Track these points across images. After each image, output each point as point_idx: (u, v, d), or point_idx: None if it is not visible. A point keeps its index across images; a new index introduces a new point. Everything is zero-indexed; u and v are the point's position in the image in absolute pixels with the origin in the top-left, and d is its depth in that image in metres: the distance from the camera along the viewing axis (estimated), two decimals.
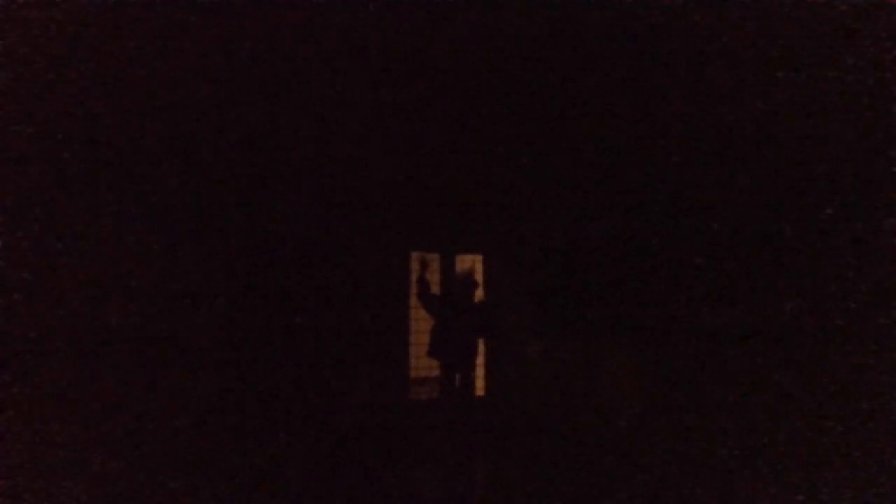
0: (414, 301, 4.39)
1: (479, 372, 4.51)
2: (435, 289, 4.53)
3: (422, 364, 4.62)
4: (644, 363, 4.01)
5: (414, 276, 4.41)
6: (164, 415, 2.39)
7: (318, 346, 4.02)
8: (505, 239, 4.78)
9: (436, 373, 4.54)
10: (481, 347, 4.52)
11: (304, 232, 3.94)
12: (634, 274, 3.63)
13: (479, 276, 4.70)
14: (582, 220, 4.33)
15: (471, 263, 5.00)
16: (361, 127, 3.73)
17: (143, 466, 2.18)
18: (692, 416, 2.94)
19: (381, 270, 4.30)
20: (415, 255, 4.48)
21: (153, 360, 2.40)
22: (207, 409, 2.63)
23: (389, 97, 3.51)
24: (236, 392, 3.15)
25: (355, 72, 3.08)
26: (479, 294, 4.63)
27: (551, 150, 3.88)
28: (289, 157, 3.37)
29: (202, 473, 2.51)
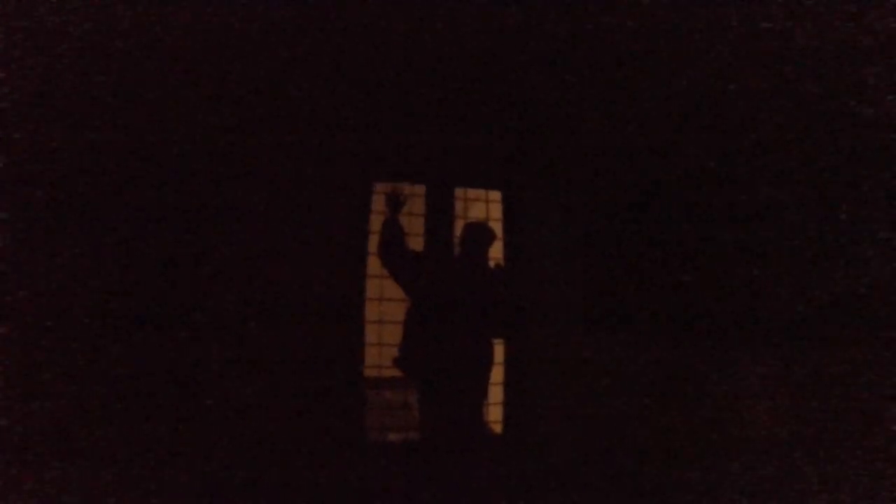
0: (375, 265, 2.53)
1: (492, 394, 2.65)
2: (414, 245, 2.66)
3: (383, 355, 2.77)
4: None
5: (378, 223, 2.55)
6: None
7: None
8: (547, 162, 2.87)
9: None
10: (497, 353, 2.65)
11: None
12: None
13: (495, 229, 2.80)
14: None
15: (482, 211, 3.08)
16: None
17: None
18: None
19: (317, 215, 2.46)
20: (380, 188, 2.60)
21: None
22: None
23: None
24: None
25: None
26: (494, 256, 2.74)
27: None
28: None
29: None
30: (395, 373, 2.70)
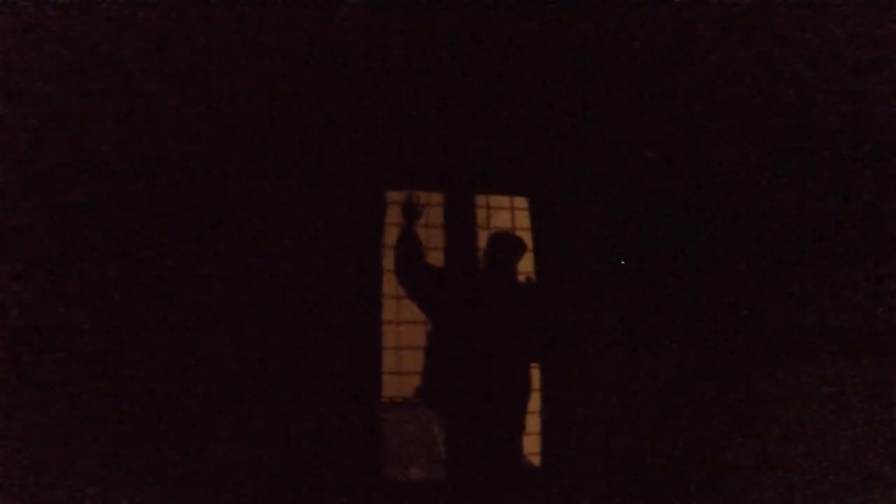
0: (391, 284, 2.23)
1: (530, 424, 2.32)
2: (433, 260, 2.35)
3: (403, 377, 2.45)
4: None
5: (394, 236, 2.25)
6: None
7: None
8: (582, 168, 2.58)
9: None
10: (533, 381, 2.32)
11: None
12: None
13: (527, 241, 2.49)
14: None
15: (507, 222, 2.77)
16: None
17: None
18: None
19: (329, 224, 2.17)
20: (394, 196, 2.31)
21: None
22: None
23: None
24: None
25: None
26: (524, 270, 2.43)
27: None
28: None
29: None
30: (416, 402, 2.38)
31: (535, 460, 2.53)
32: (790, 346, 2.24)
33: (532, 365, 2.30)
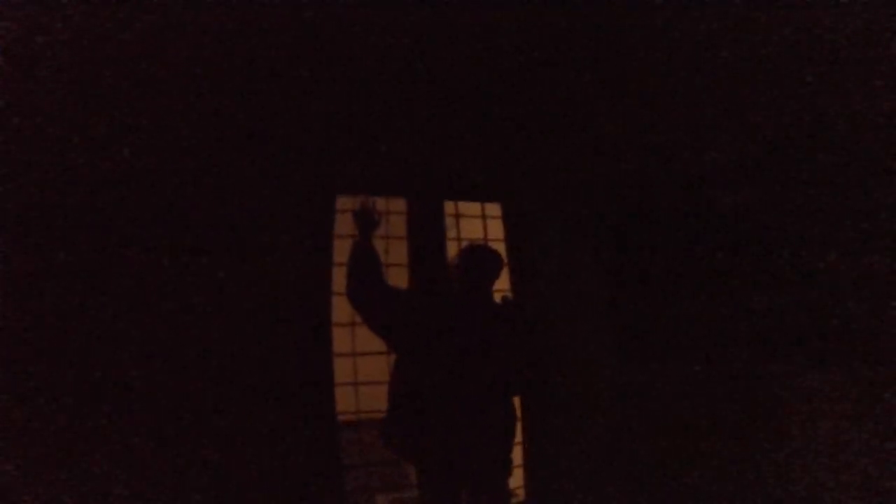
0: (342, 309, 1.82)
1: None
2: (397, 279, 1.96)
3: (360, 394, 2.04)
4: None
5: (346, 251, 1.85)
6: None
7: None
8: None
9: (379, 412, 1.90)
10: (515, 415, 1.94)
11: None
12: None
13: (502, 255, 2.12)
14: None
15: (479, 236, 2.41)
16: None
17: None
18: None
19: (271, 230, 1.77)
20: (345, 202, 1.92)
21: None
22: None
23: None
24: None
25: None
26: (501, 290, 2.06)
27: None
28: None
29: None
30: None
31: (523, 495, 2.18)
32: (791, 351, 2.00)
33: (514, 400, 1.93)
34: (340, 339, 1.89)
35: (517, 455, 1.97)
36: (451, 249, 2.16)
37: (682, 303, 2.07)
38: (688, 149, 2.10)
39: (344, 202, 1.94)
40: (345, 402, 1.90)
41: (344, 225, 1.91)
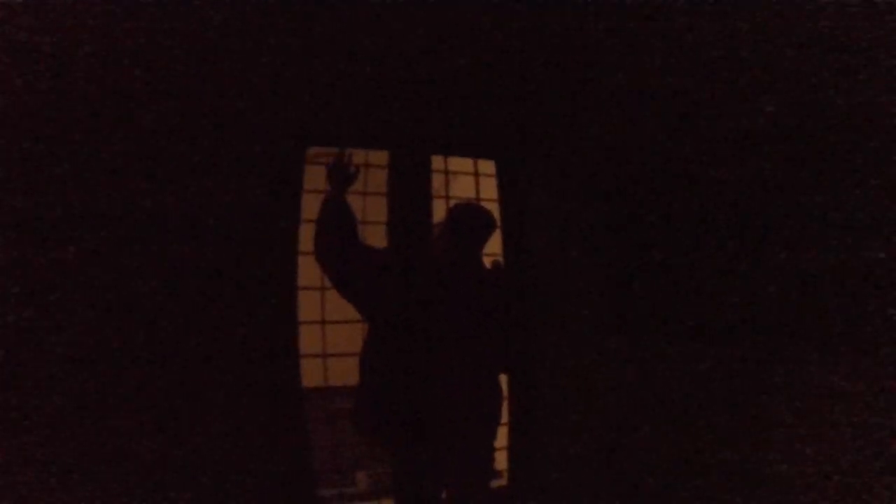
0: (310, 268, 1.64)
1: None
2: (372, 238, 1.77)
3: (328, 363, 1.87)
4: None
5: (315, 207, 1.66)
6: None
7: None
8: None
9: (350, 380, 1.73)
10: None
11: None
12: None
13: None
14: None
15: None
16: None
17: None
18: None
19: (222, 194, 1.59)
20: (315, 153, 1.71)
21: None
22: None
23: None
24: None
25: None
26: (492, 254, 1.88)
27: None
28: None
29: None
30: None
31: (508, 479, 2.03)
32: (793, 344, 1.87)
33: (501, 375, 1.76)
34: (308, 306, 1.71)
35: (502, 436, 1.81)
36: (439, 210, 1.97)
37: (683, 281, 1.92)
38: (694, 116, 1.91)
39: (316, 153, 1.74)
40: (312, 375, 1.74)
41: (315, 179, 1.71)
